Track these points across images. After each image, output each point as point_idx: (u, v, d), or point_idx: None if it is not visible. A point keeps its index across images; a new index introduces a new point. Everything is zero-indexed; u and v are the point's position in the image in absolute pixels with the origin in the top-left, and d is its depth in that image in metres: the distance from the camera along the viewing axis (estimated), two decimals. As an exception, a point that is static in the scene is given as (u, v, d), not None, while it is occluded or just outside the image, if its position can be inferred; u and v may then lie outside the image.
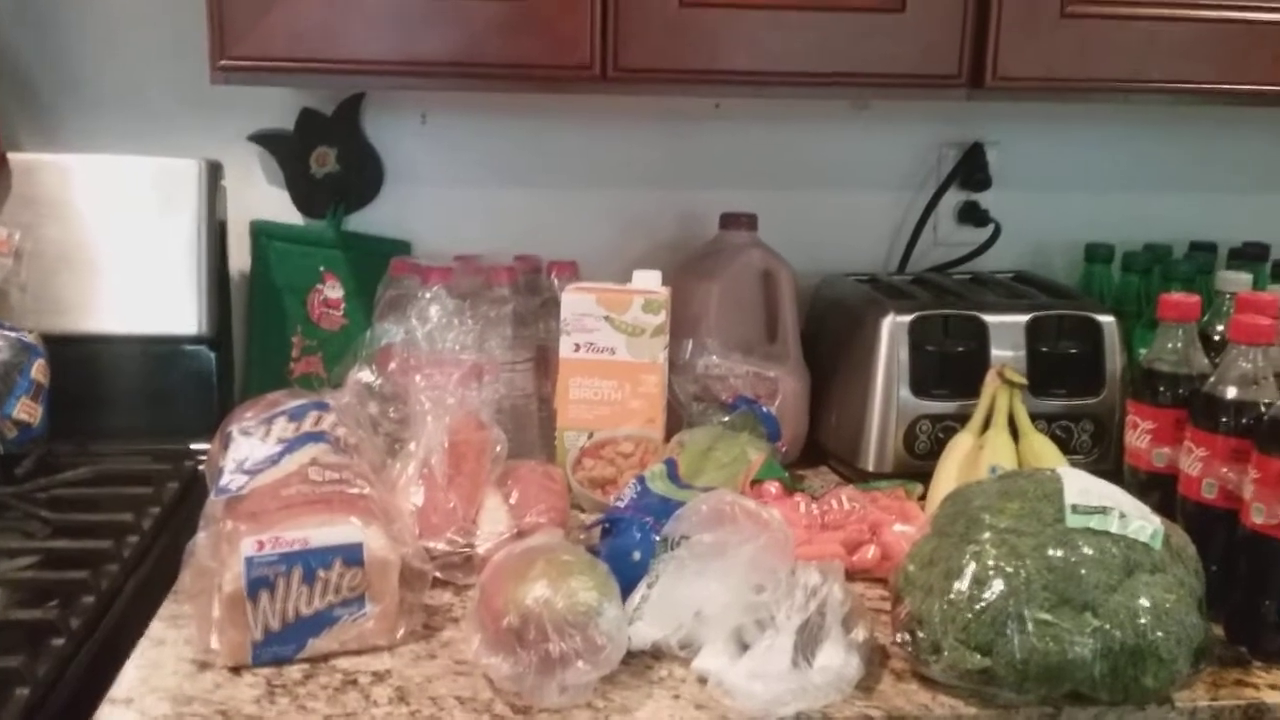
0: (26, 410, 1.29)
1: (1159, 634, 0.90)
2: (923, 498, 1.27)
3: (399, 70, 1.20)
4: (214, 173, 1.43)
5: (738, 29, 1.21)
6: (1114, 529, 0.94)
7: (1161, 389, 1.14)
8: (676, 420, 1.38)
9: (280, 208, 1.55)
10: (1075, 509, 0.95)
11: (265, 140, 1.53)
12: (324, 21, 1.17)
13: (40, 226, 1.39)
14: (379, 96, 1.54)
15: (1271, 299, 1.10)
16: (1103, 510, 0.96)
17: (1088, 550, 0.93)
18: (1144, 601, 0.91)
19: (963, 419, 1.31)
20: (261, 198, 1.54)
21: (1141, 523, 0.96)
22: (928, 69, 1.24)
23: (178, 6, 1.42)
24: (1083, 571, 0.92)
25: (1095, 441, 1.36)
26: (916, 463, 1.34)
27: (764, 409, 1.37)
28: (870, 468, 1.35)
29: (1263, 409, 1.02)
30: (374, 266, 1.49)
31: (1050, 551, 0.93)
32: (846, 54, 1.23)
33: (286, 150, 1.53)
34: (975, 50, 1.24)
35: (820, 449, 1.47)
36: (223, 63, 1.17)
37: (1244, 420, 1.04)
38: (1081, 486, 0.98)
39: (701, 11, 1.20)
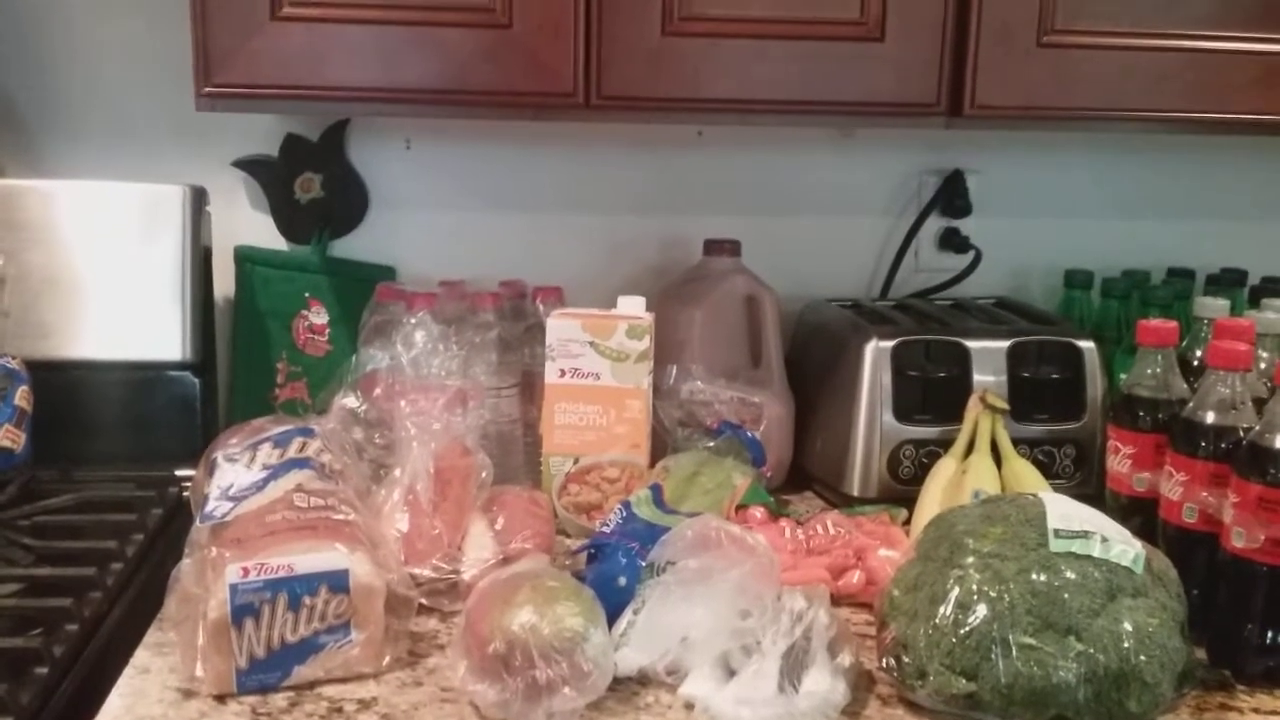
0: (9, 436, 1.29)
1: (1142, 658, 0.91)
2: (907, 523, 1.28)
3: (383, 97, 1.21)
4: (199, 198, 1.43)
5: (720, 58, 1.22)
6: (1096, 553, 0.95)
7: (1141, 414, 1.15)
8: (661, 446, 1.38)
9: (265, 233, 1.55)
10: (1058, 534, 0.96)
11: (250, 166, 1.53)
12: (308, 48, 1.17)
13: (24, 252, 1.39)
14: (364, 123, 1.54)
15: (1248, 324, 1.11)
16: (1085, 535, 0.96)
17: (1070, 575, 0.93)
18: (1127, 625, 0.92)
19: (946, 444, 1.32)
20: (246, 223, 1.55)
21: (1123, 547, 0.97)
22: (907, 97, 1.26)
23: (163, 33, 1.43)
24: (1066, 596, 0.92)
25: (1077, 466, 1.37)
26: (901, 488, 1.34)
27: (748, 434, 1.37)
28: (855, 492, 1.36)
29: (1241, 434, 1.04)
30: (359, 292, 1.49)
31: (1033, 576, 0.93)
32: (827, 83, 1.24)
33: (271, 176, 1.54)
34: (954, 79, 1.25)
35: (805, 474, 1.48)
36: (207, 89, 1.17)
37: (1223, 445, 1.05)
38: (1063, 511, 0.99)
39: (684, 40, 1.21)
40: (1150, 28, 1.27)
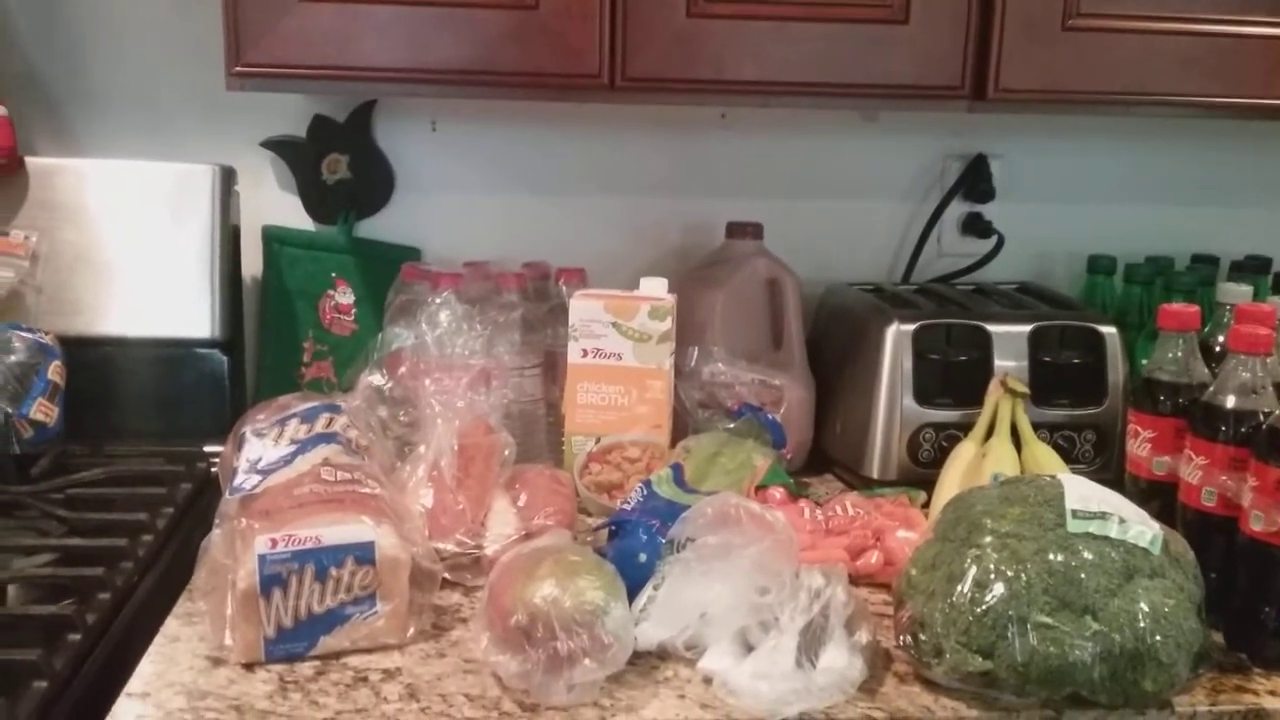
0: (43, 410, 1.31)
1: (1158, 638, 0.92)
2: (926, 505, 1.28)
3: (410, 78, 1.22)
4: (227, 178, 1.45)
5: (744, 40, 1.23)
6: (1114, 534, 0.96)
7: (1162, 398, 1.15)
8: (682, 426, 1.39)
9: (292, 213, 1.57)
10: (1075, 514, 0.97)
11: (278, 146, 1.55)
12: (337, 29, 1.18)
13: (56, 230, 1.41)
14: (390, 104, 1.56)
15: (1270, 310, 1.11)
16: (1102, 516, 0.97)
17: (1088, 555, 0.94)
18: (1143, 606, 0.92)
19: (966, 428, 1.33)
20: (274, 203, 1.56)
21: (1141, 528, 0.97)
22: (931, 80, 1.26)
23: (193, 14, 1.45)
24: (1083, 576, 0.93)
25: (1098, 451, 1.37)
26: (920, 471, 1.35)
27: (769, 416, 1.38)
28: (874, 475, 1.37)
29: (1261, 418, 1.04)
30: (384, 272, 1.51)
31: (1051, 556, 0.94)
32: (851, 65, 1.24)
33: (299, 156, 1.55)
34: (978, 62, 1.25)
35: (825, 456, 1.48)
36: (237, 69, 1.18)
37: (1243, 429, 1.05)
38: (1082, 492, 1.00)
39: (708, 23, 1.22)
40: (1175, 11, 1.27)
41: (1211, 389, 1.09)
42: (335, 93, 1.51)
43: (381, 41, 1.19)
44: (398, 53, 1.20)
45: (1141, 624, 0.92)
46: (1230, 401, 1.06)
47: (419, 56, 1.20)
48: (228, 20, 1.17)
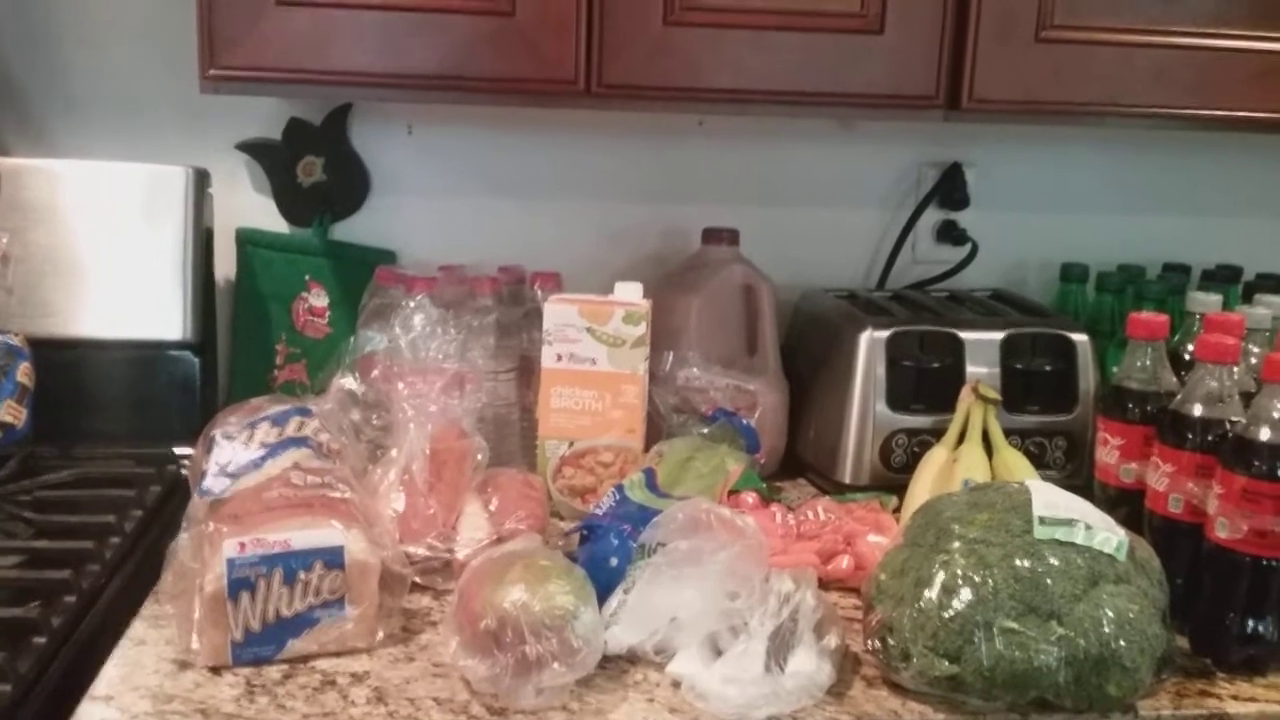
0: (11, 413, 1.30)
1: (1122, 643, 0.92)
2: (897, 510, 1.29)
3: (385, 83, 1.22)
4: (201, 180, 1.45)
5: (720, 48, 1.23)
6: (1080, 540, 0.97)
7: (1130, 406, 1.16)
8: (656, 431, 1.39)
9: (266, 216, 1.56)
10: (1043, 521, 0.97)
11: (253, 149, 1.54)
12: (312, 33, 1.18)
13: (28, 231, 1.40)
14: (366, 107, 1.55)
15: (1238, 319, 1.13)
16: (1069, 522, 0.98)
17: (1054, 561, 0.95)
18: (1108, 611, 0.93)
19: (938, 433, 1.33)
20: (248, 206, 1.56)
21: (1107, 535, 0.98)
22: (906, 90, 1.27)
23: (168, 16, 1.44)
24: (1049, 581, 0.94)
25: (1069, 458, 1.38)
26: (892, 476, 1.36)
27: (743, 421, 1.38)
28: (847, 480, 1.37)
29: (1228, 426, 1.05)
30: (359, 276, 1.50)
31: (1017, 562, 0.95)
32: (826, 74, 1.25)
33: (274, 159, 1.55)
34: (952, 72, 1.26)
35: (798, 461, 1.49)
36: (212, 72, 1.18)
37: (1209, 437, 1.06)
38: (1049, 499, 1.00)
39: (685, 31, 1.22)
40: (1150, 24, 1.28)
41: (1179, 397, 1.10)
42: (310, 96, 1.50)
43: (357, 46, 1.19)
44: (373, 57, 1.20)
45: (1106, 629, 0.92)
46: (1197, 410, 1.07)
47: (394, 61, 1.20)
48: (202, 23, 1.17)
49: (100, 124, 1.51)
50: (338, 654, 1.00)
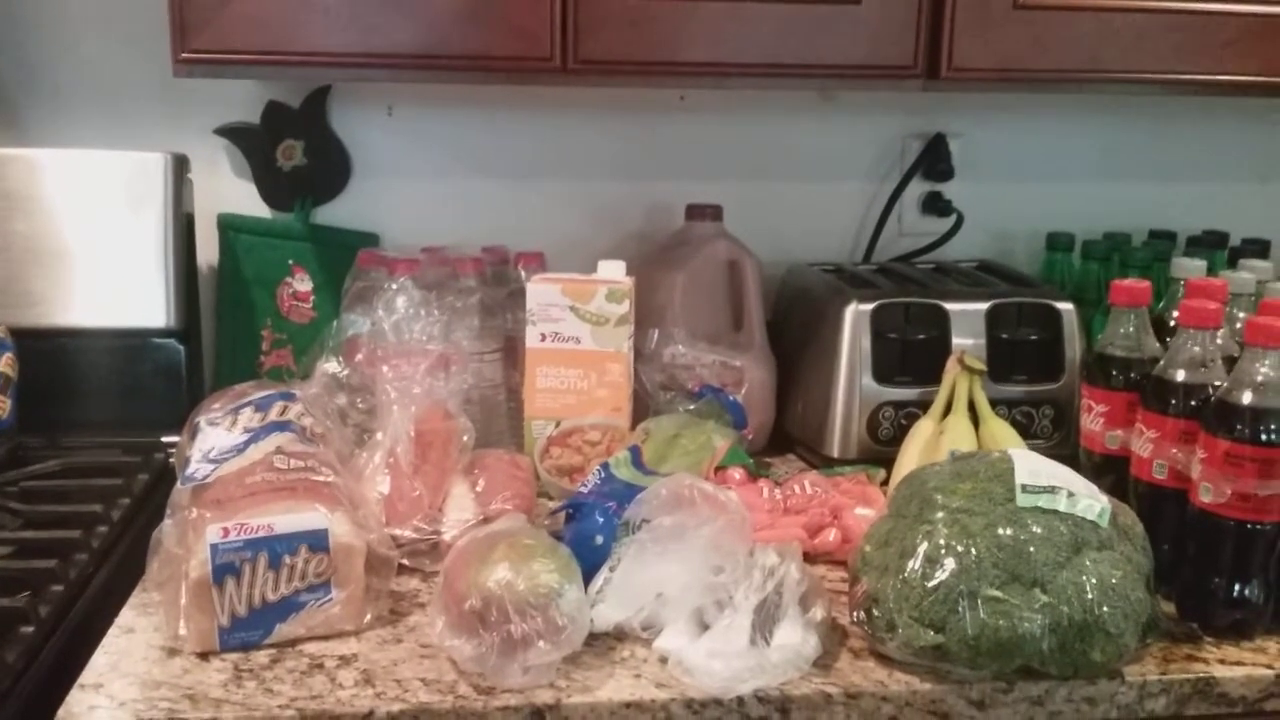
0: (-5, 403, 1.30)
1: (1105, 609, 0.93)
2: (885, 482, 1.29)
3: (359, 62, 1.21)
4: (180, 166, 1.44)
5: (697, 21, 1.22)
6: (1062, 508, 0.97)
7: (1114, 373, 1.16)
8: (644, 409, 1.39)
9: (248, 201, 1.56)
10: (1025, 489, 0.98)
11: (231, 133, 1.53)
12: (284, 13, 1.17)
13: (8, 221, 1.39)
14: (345, 89, 1.55)
15: (1221, 284, 1.12)
16: (1051, 490, 0.98)
17: (1036, 529, 0.95)
18: (1091, 578, 0.93)
19: (925, 405, 1.33)
20: (229, 191, 1.55)
21: (1090, 501, 0.98)
22: (884, 60, 1.26)
23: (143, 1, 1.43)
24: (1031, 549, 0.94)
25: (1056, 426, 1.38)
26: (880, 448, 1.36)
27: (730, 397, 1.38)
28: (835, 454, 1.37)
29: (1210, 391, 1.05)
30: (342, 259, 1.50)
31: (1000, 530, 0.95)
32: (804, 45, 1.24)
33: (253, 143, 1.54)
34: (930, 41, 1.26)
35: (786, 436, 1.49)
36: (184, 55, 1.17)
37: (1192, 402, 1.06)
38: (1031, 467, 1.00)
39: (661, 4, 1.21)
40: (1127, -12, 1.27)
41: (1162, 363, 1.10)
42: (285, 78, 1.49)
43: (329, 25, 1.18)
44: (347, 36, 1.19)
45: (1089, 596, 0.93)
46: (1180, 375, 1.07)
47: (368, 40, 1.19)
48: (173, 6, 1.16)
49: (78, 112, 1.50)
50: (325, 637, 1.00)
